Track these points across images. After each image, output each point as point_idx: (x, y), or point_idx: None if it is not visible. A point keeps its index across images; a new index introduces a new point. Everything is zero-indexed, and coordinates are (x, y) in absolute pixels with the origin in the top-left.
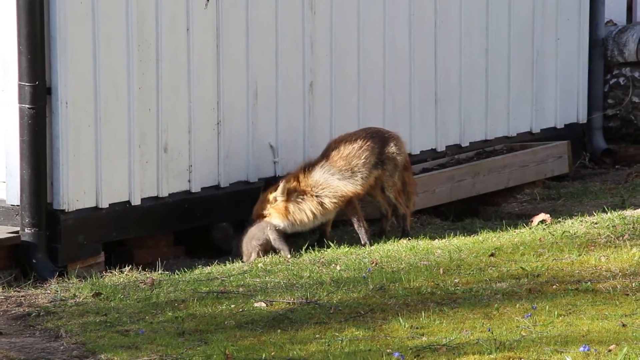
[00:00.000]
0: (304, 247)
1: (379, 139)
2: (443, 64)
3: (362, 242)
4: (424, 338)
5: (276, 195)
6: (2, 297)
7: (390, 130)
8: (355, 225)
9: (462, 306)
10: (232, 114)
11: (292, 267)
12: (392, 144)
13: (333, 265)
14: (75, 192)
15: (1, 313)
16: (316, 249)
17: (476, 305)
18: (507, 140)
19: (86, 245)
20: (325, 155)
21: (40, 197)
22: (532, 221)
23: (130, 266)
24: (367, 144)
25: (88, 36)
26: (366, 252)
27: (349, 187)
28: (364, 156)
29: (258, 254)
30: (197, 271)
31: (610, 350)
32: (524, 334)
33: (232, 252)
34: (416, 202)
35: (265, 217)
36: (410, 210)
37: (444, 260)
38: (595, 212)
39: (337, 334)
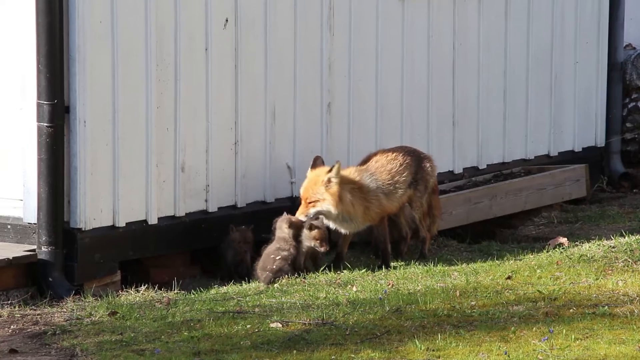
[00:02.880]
0: (321, 268)
1: (415, 158)
2: (461, 86)
3: (379, 263)
4: None
5: (331, 177)
6: (18, 316)
7: (423, 151)
8: (381, 247)
9: (479, 329)
10: (249, 134)
11: (308, 288)
12: (427, 165)
13: (349, 286)
14: (92, 210)
15: (17, 331)
16: (332, 269)
17: (493, 328)
18: (525, 163)
19: (102, 263)
20: (367, 167)
21: (57, 216)
22: (549, 244)
23: (146, 285)
24: (407, 161)
25: (107, 55)
26: (382, 274)
27: (388, 203)
28: (405, 173)
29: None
30: (213, 291)
31: None
32: (540, 358)
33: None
34: None
35: (316, 202)
36: (431, 234)
37: (461, 283)
38: (612, 236)
39: (353, 356)
